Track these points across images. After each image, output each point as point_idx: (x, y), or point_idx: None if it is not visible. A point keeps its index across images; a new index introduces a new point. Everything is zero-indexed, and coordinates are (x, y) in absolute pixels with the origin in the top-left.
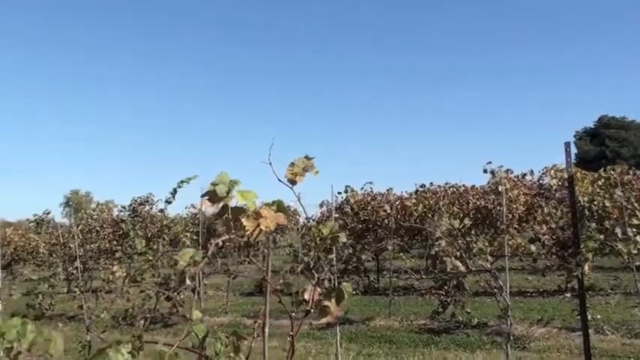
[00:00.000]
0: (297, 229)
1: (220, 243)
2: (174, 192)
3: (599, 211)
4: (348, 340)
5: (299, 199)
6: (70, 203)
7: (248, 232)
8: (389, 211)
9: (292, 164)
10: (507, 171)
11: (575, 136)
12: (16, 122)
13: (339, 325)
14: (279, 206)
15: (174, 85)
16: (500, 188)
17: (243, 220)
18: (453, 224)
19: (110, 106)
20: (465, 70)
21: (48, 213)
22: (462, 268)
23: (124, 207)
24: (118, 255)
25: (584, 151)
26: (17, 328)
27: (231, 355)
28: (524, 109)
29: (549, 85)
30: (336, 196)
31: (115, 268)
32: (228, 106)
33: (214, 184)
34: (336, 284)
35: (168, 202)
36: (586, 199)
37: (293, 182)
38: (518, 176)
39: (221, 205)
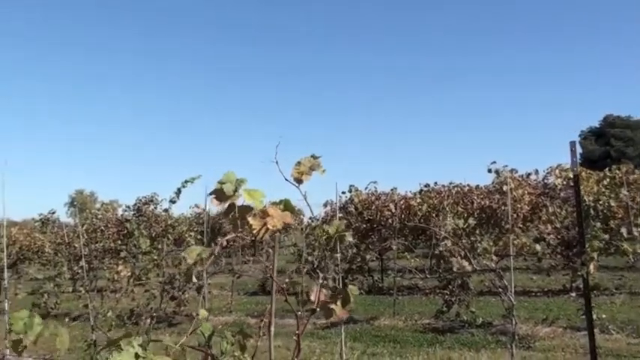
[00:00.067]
0: (302, 229)
1: (224, 243)
2: (178, 192)
3: (605, 211)
4: (352, 340)
5: (305, 198)
6: (75, 203)
7: (255, 231)
8: (393, 211)
9: (299, 163)
10: (512, 170)
11: (580, 135)
12: (17, 122)
13: (344, 325)
14: (287, 205)
15: (174, 85)
16: (504, 188)
17: (250, 219)
18: (458, 224)
19: (110, 106)
20: (465, 70)
21: (53, 212)
22: (469, 268)
23: (128, 207)
24: (122, 254)
25: (589, 151)
26: (24, 320)
27: (237, 353)
28: (529, 109)
29: (554, 84)
30: (340, 196)
31: (120, 267)
32: (228, 106)
33: (221, 183)
34: (341, 284)
35: (172, 201)
36: (591, 198)
37: (299, 181)
38: (522, 176)
39: (228, 203)
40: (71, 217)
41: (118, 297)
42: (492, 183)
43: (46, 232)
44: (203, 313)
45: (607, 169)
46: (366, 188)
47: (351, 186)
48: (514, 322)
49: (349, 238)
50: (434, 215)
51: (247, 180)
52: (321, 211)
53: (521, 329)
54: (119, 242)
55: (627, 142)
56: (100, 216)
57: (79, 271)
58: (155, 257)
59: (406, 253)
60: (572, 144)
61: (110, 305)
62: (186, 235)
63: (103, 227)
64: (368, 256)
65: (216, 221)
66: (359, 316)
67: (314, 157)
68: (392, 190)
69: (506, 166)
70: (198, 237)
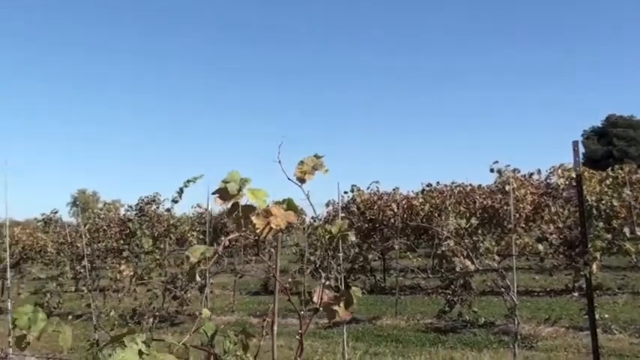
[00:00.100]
0: (304, 229)
1: (227, 242)
2: (180, 191)
3: (607, 211)
4: (354, 339)
5: (308, 198)
6: (78, 203)
7: (258, 231)
8: (396, 211)
9: (302, 162)
10: (514, 170)
11: (582, 135)
12: (17, 122)
13: (346, 324)
14: (290, 204)
15: (175, 85)
16: (507, 187)
17: (254, 218)
18: (460, 223)
19: (110, 106)
20: (466, 70)
21: (56, 212)
22: (472, 268)
23: (130, 206)
24: (125, 254)
25: (591, 151)
26: (29, 316)
27: (240, 353)
28: (531, 109)
29: (557, 84)
30: (342, 196)
31: (123, 267)
32: (228, 106)
33: (225, 182)
34: (343, 283)
35: (174, 201)
36: (594, 198)
37: (302, 181)
38: (525, 175)
39: (231, 202)
40: (74, 217)
41: (120, 296)
42: (495, 183)
43: (48, 231)
44: (206, 312)
45: (609, 168)
46: (368, 188)
47: (353, 186)
48: (516, 322)
49: (352, 237)
50: (436, 215)
51: (251, 179)
52: (324, 211)
53: (524, 329)
54: (121, 242)
55: (630, 141)
56: (102, 216)
57: (82, 270)
58: (157, 257)
59: (408, 253)
60: (575, 144)
61: (112, 305)
62: (189, 235)
63: (105, 227)
64: (370, 256)
65: (218, 221)
66: (361, 316)
67: (317, 156)
68: (394, 189)
69: (509, 165)
70: (201, 237)
